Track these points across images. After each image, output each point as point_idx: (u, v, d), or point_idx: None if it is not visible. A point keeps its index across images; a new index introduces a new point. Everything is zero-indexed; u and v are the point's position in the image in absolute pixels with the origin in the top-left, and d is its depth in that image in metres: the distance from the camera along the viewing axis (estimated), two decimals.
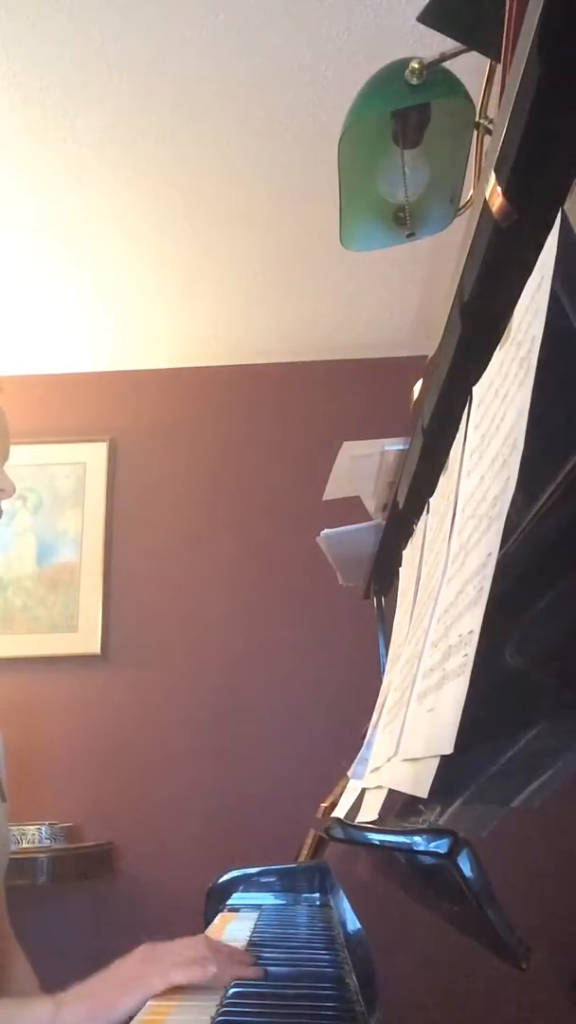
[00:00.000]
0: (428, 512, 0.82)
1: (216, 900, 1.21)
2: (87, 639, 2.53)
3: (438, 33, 0.81)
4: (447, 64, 0.88)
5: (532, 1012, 0.27)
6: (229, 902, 1.20)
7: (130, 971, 0.77)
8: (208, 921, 1.12)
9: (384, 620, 1.62)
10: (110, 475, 2.70)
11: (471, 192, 0.88)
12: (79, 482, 2.69)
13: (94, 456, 2.71)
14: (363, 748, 1.02)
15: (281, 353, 2.78)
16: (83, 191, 2.08)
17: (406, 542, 0.97)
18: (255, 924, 1.01)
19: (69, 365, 2.80)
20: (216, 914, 1.14)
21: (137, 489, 2.70)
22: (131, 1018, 0.67)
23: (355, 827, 0.60)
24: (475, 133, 0.90)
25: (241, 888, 1.23)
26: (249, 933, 0.94)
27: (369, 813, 0.71)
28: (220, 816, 2.34)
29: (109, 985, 0.77)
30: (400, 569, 0.97)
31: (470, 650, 0.43)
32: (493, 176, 0.51)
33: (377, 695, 0.97)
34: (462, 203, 1.01)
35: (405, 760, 0.57)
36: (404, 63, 0.88)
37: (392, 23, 1.66)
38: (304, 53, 1.74)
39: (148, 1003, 0.70)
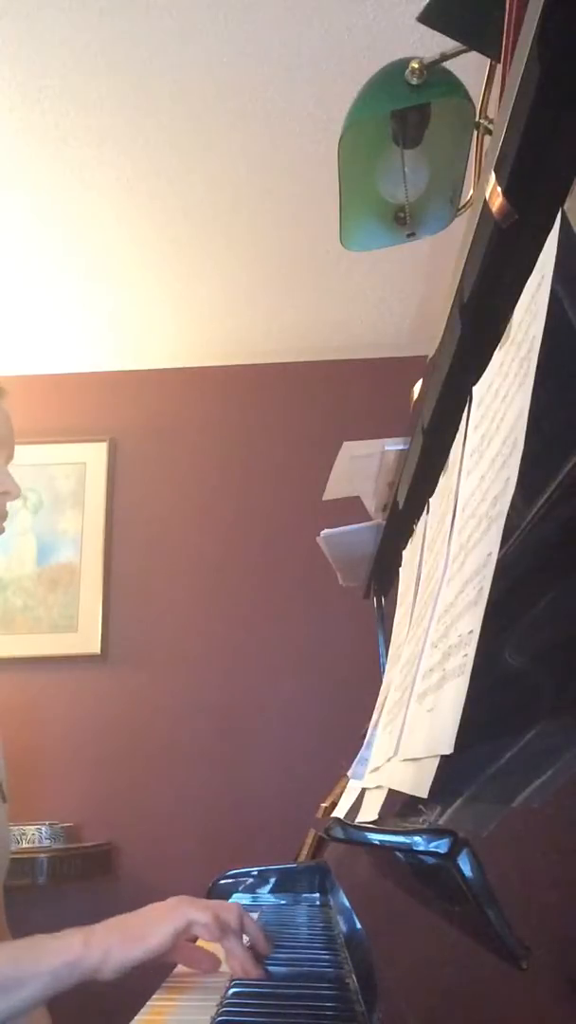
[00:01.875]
0: (428, 512, 0.82)
1: (216, 900, 1.21)
2: (87, 639, 2.53)
3: (438, 33, 0.81)
4: (447, 64, 0.88)
5: (532, 1012, 0.27)
6: (229, 902, 1.20)
7: (163, 907, 0.80)
8: None
9: (384, 620, 1.62)
10: (110, 475, 2.70)
11: (471, 192, 0.88)
12: (79, 482, 2.68)
13: (94, 456, 2.71)
14: (363, 748, 1.02)
15: (281, 353, 2.78)
16: (83, 191, 2.08)
17: (406, 542, 0.97)
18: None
19: (69, 365, 2.80)
20: None
21: (137, 489, 2.69)
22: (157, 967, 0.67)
23: (355, 827, 0.60)
24: (475, 133, 0.90)
25: (241, 888, 1.23)
26: None
27: (369, 813, 0.71)
28: (220, 816, 2.34)
29: (142, 916, 0.80)
30: (400, 569, 0.97)
31: (470, 650, 0.43)
32: (493, 176, 0.51)
33: (377, 695, 0.97)
34: (462, 203, 1.01)
35: (405, 760, 0.57)
36: (404, 63, 0.88)
37: (392, 23, 1.66)
38: (304, 53, 1.74)
39: (148, 1003, 0.70)
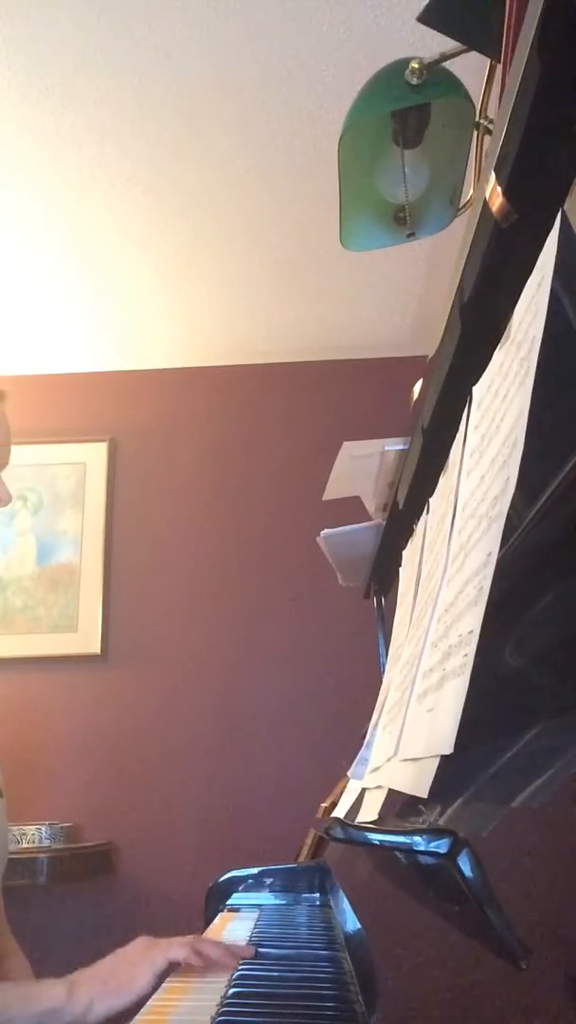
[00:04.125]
0: (428, 512, 0.82)
1: (216, 900, 1.21)
2: (87, 639, 2.53)
3: (438, 33, 0.81)
4: (447, 64, 0.88)
5: (532, 1012, 0.27)
6: (229, 902, 1.20)
7: (134, 953, 0.83)
8: (208, 921, 1.12)
9: (384, 620, 1.62)
10: (110, 475, 2.69)
11: (471, 192, 0.88)
12: (79, 482, 2.68)
13: (94, 456, 2.71)
14: (363, 748, 1.02)
15: (281, 353, 2.78)
16: (83, 191, 2.08)
17: (406, 542, 0.97)
18: (255, 924, 1.01)
19: (69, 365, 2.80)
20: (216, 914, 1.14)
21: (137, 489, 2.69)
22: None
23: (355, 827, 0.60)
24: (475, 133, 0.90)
25: (241, 888, 1.23)
26: (249, 933, 0.94)
27: (369, 813, 0.71)
28: (220, 816, 2.34)
29: (118, 964, 0.83)
30: (400, 569, 0.97)
31: (470, 650, 0.43)
32: (493, 176, 0.51)
33: (377, 695, 0.97)
34: (462, 203, 1.01)
35: (405, 760, 0.57)
36: (404, 63, 0.88)
37: (392, 23, 1.66)
38: (304, 53, 1.74)
39: (148, 1003, 0.70)
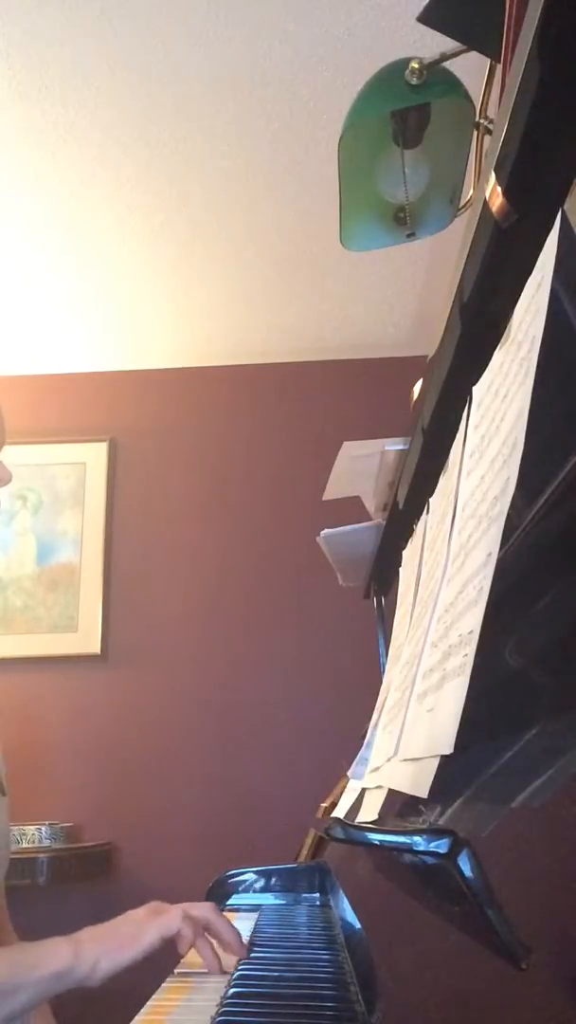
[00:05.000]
0: (428, 512, 0.82)
1: (216, 900, 1.21)
2: (87, 639, 2.52)
3: (438, 33, 0.81)
4: (447, 64, 0.88)
5: (532, 1012, 0.27)
6: (229, 902, 1.20)
7: (142, 914, 0.83)
8: None
9: (384, 620, 1.62)
10: (110, 475, 2.69)
11: (471, 192, 0.88)
12: (79, 482, 2.68)
13: (94, 456, 2.70)
14: (363, 748, 1.02)
15: (281, 353, 2.78)
16: (83, 191, 2.08)
17: (406, 542, 0.97)
18: (255, 924, 1.01)
19: (69, 365, 2.80)
20: None
21: (137, 489, 2.69)
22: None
23: (355, 827, 0.60)
24: (475, 133, 0.90)
25: (241, 888, 1.23)
26: (249, 933, 0.94)
27: (369, 813, 0.71)
28: (220, 816, 2.34)
29: (125, 922, 0.83)
30: (400, 569, 0.97)
31: (470, 650, 0.43)
32: (493, 176, 0.51)
33: (377, 695, 0.97)
34: (462, 203, 1.01)
35: (405, 760, 0.57)
36: (404, 63, 0.88)
37: (392, 23, 1.66)
38: (304, 53, 1.74)
39: (148, 1003, 0.70)
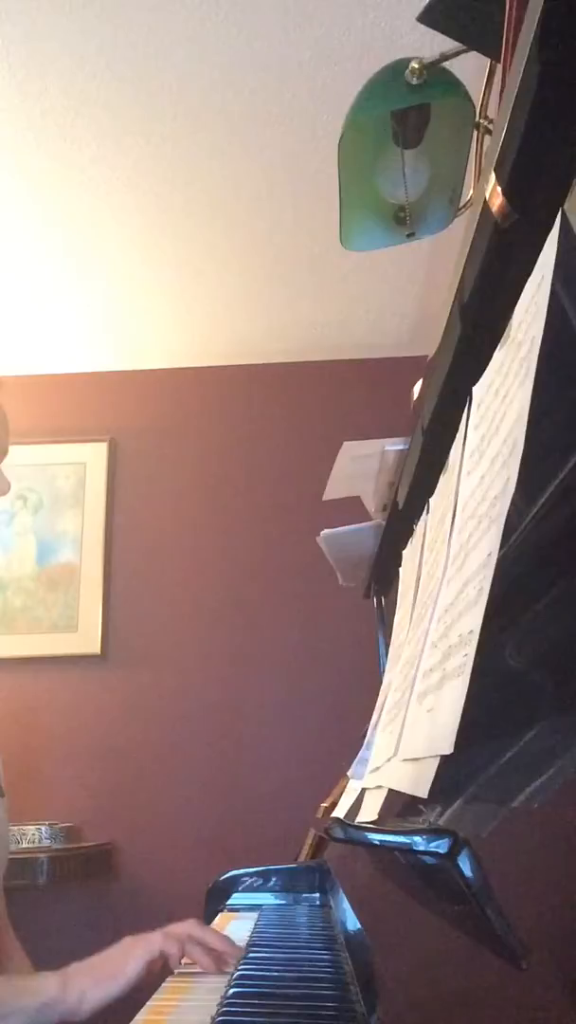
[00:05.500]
0: (428, 512, 0.82)
1: (216, 900, 1.21)
2: (87, 639, 2.52)
3: (438, 33, 0.81)
4: (447, 64, 0.88)
5: (532, 1012, 0.27)
6: (229, 902, 1.20)
7: (127, 945, 0.85)
8: (208, 921, 1.12)
9: (384, 620, 1.62)
10: (110, 475, 2.69)
11: (471, 192, 0.88)
12: (79, 482, 2.68)
13: (94, 456, 2.70)
14: (363, 748, 1.02)
15: (281, 353, 2.78)
16: (83, 191, 2.08)
17: (406, 542, 0.97)
18: (255, 924, 1.01)
19: (69, 365, 2.80)
20: (216, 914, 1.14)
21: (137, 489, 2.69)
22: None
23: (355, 827, 0.60)
24: (475, 133, 0.90)
25: (241, 888, 1.23)
26: (249, 933, 0.94)
27: (369, 813, 0.71)
28: (220, 816, 2.34)
29: (111, 956, 0.85)
30: (400, 569, 0.97)
31: (470, 650, 0.43)
32: (493, 176, 0.51)
33: (377, 695, 0.97)
34: (462, 203, 1.01)
35: (405, 760, 0.57)
36: (404, 63, 0.88)
37: (392, 23, 1.66)
38: (304, 53, 1.74)
39: (148, 1003, 0.70)
